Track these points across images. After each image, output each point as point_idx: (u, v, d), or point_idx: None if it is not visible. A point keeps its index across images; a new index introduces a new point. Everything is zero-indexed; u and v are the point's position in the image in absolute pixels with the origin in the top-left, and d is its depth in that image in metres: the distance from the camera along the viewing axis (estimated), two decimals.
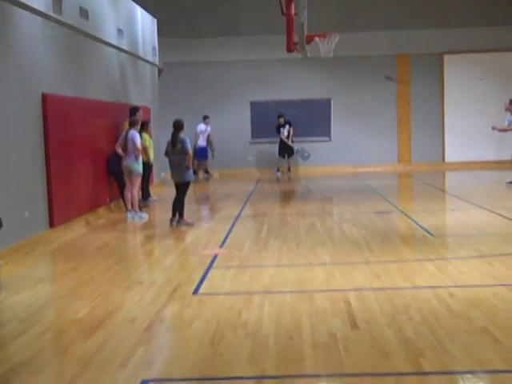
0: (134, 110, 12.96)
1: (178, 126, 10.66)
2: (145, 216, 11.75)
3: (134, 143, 11.56)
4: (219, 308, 5.95)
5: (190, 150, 10.61)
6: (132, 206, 11.71)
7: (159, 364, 4.76)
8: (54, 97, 10.14)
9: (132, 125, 11.83)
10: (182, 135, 10.60)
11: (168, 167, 10.90)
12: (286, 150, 19.70)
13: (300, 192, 16.18)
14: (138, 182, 11.80)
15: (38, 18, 9.78)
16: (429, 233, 9.50)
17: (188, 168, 10.57)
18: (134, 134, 11.66)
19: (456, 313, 5.60)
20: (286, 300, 6.17)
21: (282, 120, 19.67)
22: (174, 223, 10.52)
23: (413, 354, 4.68)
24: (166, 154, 10.78)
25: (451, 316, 5.52)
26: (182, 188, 10.70)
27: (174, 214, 10.62)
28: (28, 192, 9.28)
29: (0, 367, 4.67)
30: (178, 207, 10.64)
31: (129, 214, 11.71)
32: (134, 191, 11.70)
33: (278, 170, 19.93)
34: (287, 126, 19.65)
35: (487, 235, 9.39)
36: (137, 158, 11.58)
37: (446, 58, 20.77)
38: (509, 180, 15.00)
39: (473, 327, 5.24)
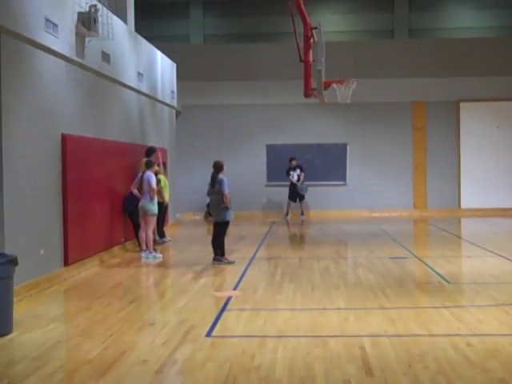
0: (150, 151, 13.11)
1: (217, 167, 11.05)
2: (159, 256, 11.75)
3: (150, 184, 11.65)
4: (232, 351, 5.89)
5: (227, 191, 10.87)
6: (146, 246, 11.72)
7: None
8: (73, 137, 10.27)
9: (148, 166, 11.93)
10: (220, 176, 10.94)
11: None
12: (296, 194, 19.75)
13: (314, 235, 16.12)
14: (152, 222, 11.84)
15: (62, 62, 9.98)
16: (445, 279, 9.39)
17: (226, 208, 10.89)
18: (150, 175, 11.76)
19: (473, 363, 5.49)
20: (299, 344, 6.09)
21: (293, 163, 19.79)
22: (216, 262, 10.90)
23: None
24: (208, 193, 11.22)
25: (468, 366, 5.42)
26: (220, 227, 11.10)
27: (215, 253, 11.03)
28: (44, 230, 9.33)
29: None
30: (217, 246, 11.03)
31: (143, 254, 11.73)
32: (148, 231, 11.73)
33: (287, 214, 19.99)
34: (298, 170, 19.73)
35: (504, 283, 9.27)
36: (152, 199, 11.65)
37: (462, 105, 20.87)
38: None
39: (490, 378, 5.13)
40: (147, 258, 11.61)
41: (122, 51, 12.96)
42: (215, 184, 10.97)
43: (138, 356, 5.82)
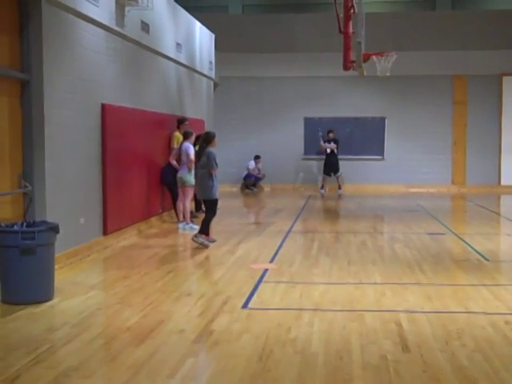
0: (181, 121, 13.13)
1: (206, 138, 10.09)
2: (196, 227, 11.80)
3: (188, 155, 11.68)
4: (268, 323, 5.92)
5: (215, 166, 9.88)
6: (184, 217, 11.81)
7: (207, 377, 4.75)
8: (112, 107, 10.34)
9: (186, 137, 11.96)
10: (210, 148, 10.01)
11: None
12: (331, 169, 19.57)
13: (351, 210, 16.04)
14: (190, 193, 11.90)
15: (101, 31, 10.01)
16: (483, 257, 9.27)
17: (211, 185, 9.91)
18: (188, 146, 11.78)
19: (511, 341, 5.43)
20: (335, 318, 6.10)
21: (331, 135, 19.62)
22: (195, 237, 9.99)
23: (466, 382, 4.55)
24: (195, 167, 10.36)
25: (507, 344, 5.36)
26: (207, 206, 10.19)
27: (200, 231, 10.11)
28: (84, 199, 9.47)
29: (51, 371, 4.74)
30: (202, 223, 10.12)
31: (180, 225, 11.83)
32: (186, 202, 11.80)
33: (322, 188, 19.90)
34: (332, 143, 19.53)
35: None
36: (190, 170, 11.67)
37: (505, 79, 20.36)
38: None
39: None
40: (184, 229, 11.70)
41: (160, 21, 12.94)
42: (202, 156, 9.98)
43: (175, 325, 5.90)
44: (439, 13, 22.92)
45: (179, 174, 11.90)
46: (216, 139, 10.20)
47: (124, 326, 5.86)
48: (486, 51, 20.18)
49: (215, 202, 10.12)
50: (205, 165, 9.93)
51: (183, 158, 11.78)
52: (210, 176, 9.91)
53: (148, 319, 6.08)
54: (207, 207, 10.20)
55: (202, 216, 13.42)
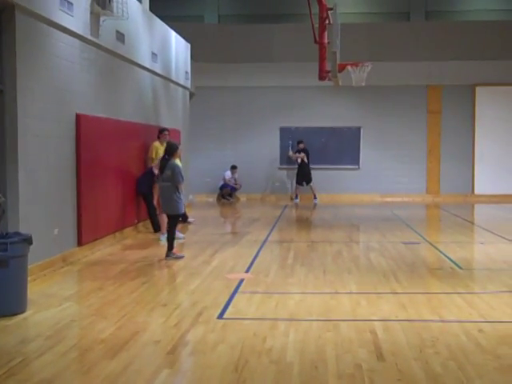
0: (161, 131, 13.09)
1: (170, 150, 9.80)
2: (181, 236, 11.69)
3: None
4: (244, 333, 5.91)
5: (181, 180, 9.62)
6: (162, 229, 11.62)
7: None
8: (87, 117, 10.29)
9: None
10: (173, 161, 9.76)
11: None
12: (303, 178, 19.81)
13: (327, 219, 16.11)
14: None
15: (76, 41, 9.97)
16: (457, 265, 9.36)
17: (177, 199, 9.63)
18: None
19: (485, 349, 5.48)
20: (311, 328, 6.11)
21: (301, 145, 19.84)
22: (167, 258, 9.76)
23: None
24: (157, 180, 9.97)
25: (480, 352, 5.41)
26: (172, 220, 9.89)
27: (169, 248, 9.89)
28: (58, 210, 9.39)
29: None
30: (167, 240, 9.87)
31: (162, 237, 11.58)
32: None
33: (296, 197, 20.06)
34: (301, 153, 19.75)
35: None
36: None
37: (478, 89, 20.66)
38: None
39: (502, 365, 5.12)
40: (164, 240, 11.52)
41: (136, 31, 12.92)
42: (166, 169, 9.65)
43: (150, 336, 5.86)
44: (413, 24, 23.20)
45: None
46: (180, 151, 9.98)
47: (98, 338, 5.81)
48: (459, 62, 20.46)
49: (179, 216, 9.93)
50: (169, 178, 9.67)
51: None
52: (176, 190, 9.68)
53: (123, 331, 6.04)
54: (172, 222, 9.90)
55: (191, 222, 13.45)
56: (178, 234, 11.56)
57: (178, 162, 12.26)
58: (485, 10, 25.19)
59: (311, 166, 19.96)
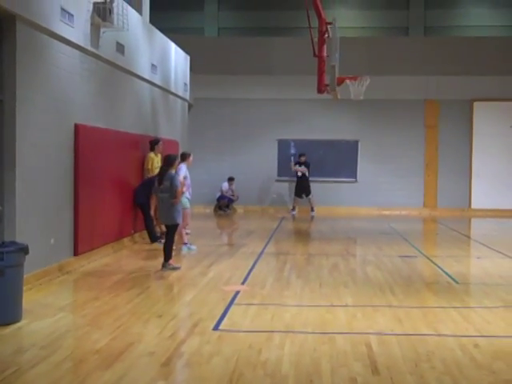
0: (154, 142, 13.14)
1: (169, 162, 9.99)
2: (193, 248, 11.79)
3: (185, 178, 11.49)
4: (239, 345, 5.90)
5: (179, 187, 9.87)
6: (183, 240, 11.70)
7: None
8: (86, 127, 10.31)
9: (182, 159, 11.70)
10: (171, 172, 9.95)
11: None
12: (302, 190, 19.83)
13: (324, 232, 16.11)
14: (186, 216, 11.61)
15: (76, 52, 10.01)
16: (453, 280, 9.37)
17: (175, 209, 9.80)
18: (180, 168, 11.47)
19: (480, 364, 5.48)
20: (306, 341, 6.10)
21: (303, 158, 19.89)
22: (163, 268, 9.82)
23: None
24: (154, 191, 10.11)
25: (475, 367, 5.41)
26: (170, 230, 9.98)
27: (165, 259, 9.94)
28: (55, 220, 9.39)
29: None
30: (165, 249, 9.90)
31: (184, 247, 11.73)
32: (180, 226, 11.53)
33: (293, 209, 20.09)
34: (303, 167, 19.78)
35: None
36: (183, 193, 11.39)
37: (476, 105, 20.75)
38: None
39: (497, 380, 5.12)
40: (187, 250, 11.68)
41: (136, 42, 12.98)
42: (164, 181, 9.81)
43: (145, 348, 5.85)
44: (412, 39, 23.34)
45: None
46: (178, 161, 10.31)
47: (93, 349, 5.80)
48: (457, 77, 20.56)
49: (177, 226, 10.11)
50: (167, 189, 9.80)
51: None
52: (173, 199, 9.80)
53: (118, 341, 6.02)
54: (170, 232, 9.99)
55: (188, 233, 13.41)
56: (191, 246, 11.61)
57: (182, 167, 12.04)
58: (483, 25, 25.37)
59: (310, 179, 19.98)
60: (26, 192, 8.44)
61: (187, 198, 11.80)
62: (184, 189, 11.31)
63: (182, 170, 11.58)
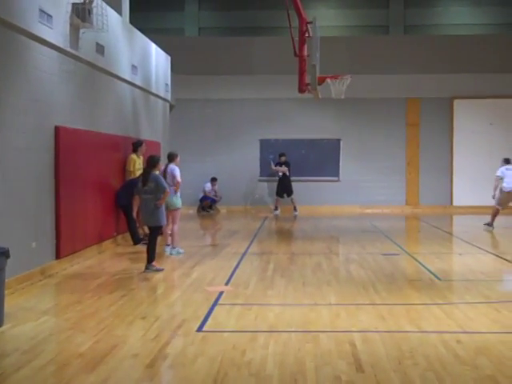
0: (137, 144, 13.08)
1: (152, 163, 9.97)
2: (182, 251, 11.61)
3: (174, 177, 11.38)
4: (223, 346, 5.90)
5: (167, 187, 9.88)
6: (172, 241, 11.54)
7: None
8: (66, 129, 10.24)
9: (171, 159, 11.69)
10: (155, 173, 9.99)
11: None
12: (284, 190, 19.87)
13: (306, 231, 16.15)
14: (177, 216, 11.50)
15: (55, 53, 9.94)
16: (436, 276, 9.43)
17: (159, 211, 9.76)
18: (174, 168, 11.46)
19: (463, 360, 5.52)
20: (290, 340, 6.11)
21: (283, 158, 19.93)
22: (147, 270, 9.76)
23: None
24: (137, 192, 9.99)
25: (458, 363, 5.45)
26: (153, 232, 9.94)
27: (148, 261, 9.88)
28: (36, 223, 9.31)
29: None
30: (148, 251, 9.82)
31: (167, 249, 11.56)
32: (174, 226, 11.40)
33: (276, 209, 20.09)
34: (283, 166, 19.82)
35: (495, 281, 9.34)
36: (176, 192, 11.35)
37: (456, 102, 20.91)
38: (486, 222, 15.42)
39: (480, 376, 5.16)
40: (171, 252, 11.50)
41: (116, 43, 12.91)
42: (148, 182, 9.78)
43: (128, 350, 5.82)
44: (392, 37, 23.47)
45: None
46: (161, 163, 10.31)
47: (76, 352, 5.76)
48: (438, 75, 20.70)
49: (161, 228, 10.07)
50: (152, 191, 9.77)
51: (168, 180, 11.20)
52: (158, 200, 9.77)
53: (101, 344, 5.99)
54: (153, 233, 9.93)
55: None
56: (179, 249, 11.51)
57: (176, 167, 11.96)
58: (462, 24, 25.60)
59: (291, 178, 20.03)
60: (6, 195, 8.36)
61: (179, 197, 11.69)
62: (178, 188, 11.37)
63: (177, 171, 11.51)
